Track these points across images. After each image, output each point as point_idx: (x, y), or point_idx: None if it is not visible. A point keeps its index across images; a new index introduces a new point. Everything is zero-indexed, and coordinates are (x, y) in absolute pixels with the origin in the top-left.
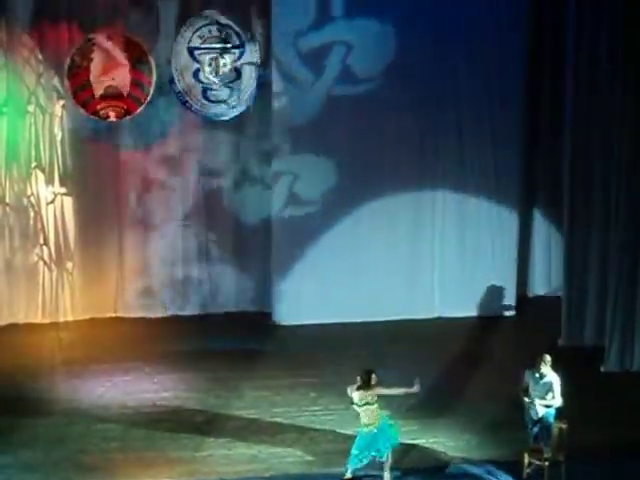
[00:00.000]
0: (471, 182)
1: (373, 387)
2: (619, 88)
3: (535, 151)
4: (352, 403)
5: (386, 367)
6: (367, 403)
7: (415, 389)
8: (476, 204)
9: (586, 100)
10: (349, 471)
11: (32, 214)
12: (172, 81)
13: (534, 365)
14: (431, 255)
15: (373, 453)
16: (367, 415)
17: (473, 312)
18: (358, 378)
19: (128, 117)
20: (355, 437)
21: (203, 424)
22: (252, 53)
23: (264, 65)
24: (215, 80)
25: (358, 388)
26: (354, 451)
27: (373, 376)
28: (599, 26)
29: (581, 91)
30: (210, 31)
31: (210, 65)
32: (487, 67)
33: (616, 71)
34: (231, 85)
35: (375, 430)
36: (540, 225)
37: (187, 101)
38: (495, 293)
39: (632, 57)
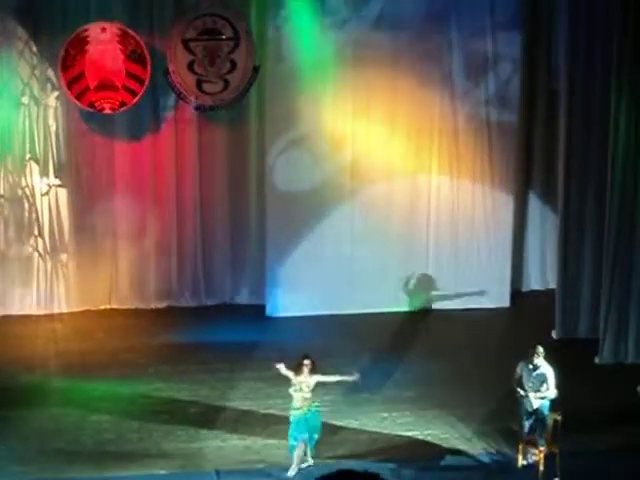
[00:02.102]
0: (466, 175)
1: (310, 375)
2: (614, 87)
3: (531, 150)
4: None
5: (380, 358)
6: (300, 390)
7: (354, 377)
8: (471, 196)
9: (580, 98)
10: (294, 464)
11: (27, 206)
12: (167, 73)
13: (528, 357)
14: (425, 247)
15: (304, 437)
16: (299, 400)
17: (468, 305)
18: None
19: (123, 109)
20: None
21: (197, 416)
22: (246, 44)
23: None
24: (210, 72)
25: (296, 374)
26: (291, 442)
27: (307, 362)
28: (594, 24)
29: (575, 91)
30: (205, 23)
31: (205, 57)
32: (483, 60)
33: (611, 68)
34: (226, 77)
35: (304, 415)
36: (535, 218)
37: (181, 93)
38: (490, 286)
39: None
